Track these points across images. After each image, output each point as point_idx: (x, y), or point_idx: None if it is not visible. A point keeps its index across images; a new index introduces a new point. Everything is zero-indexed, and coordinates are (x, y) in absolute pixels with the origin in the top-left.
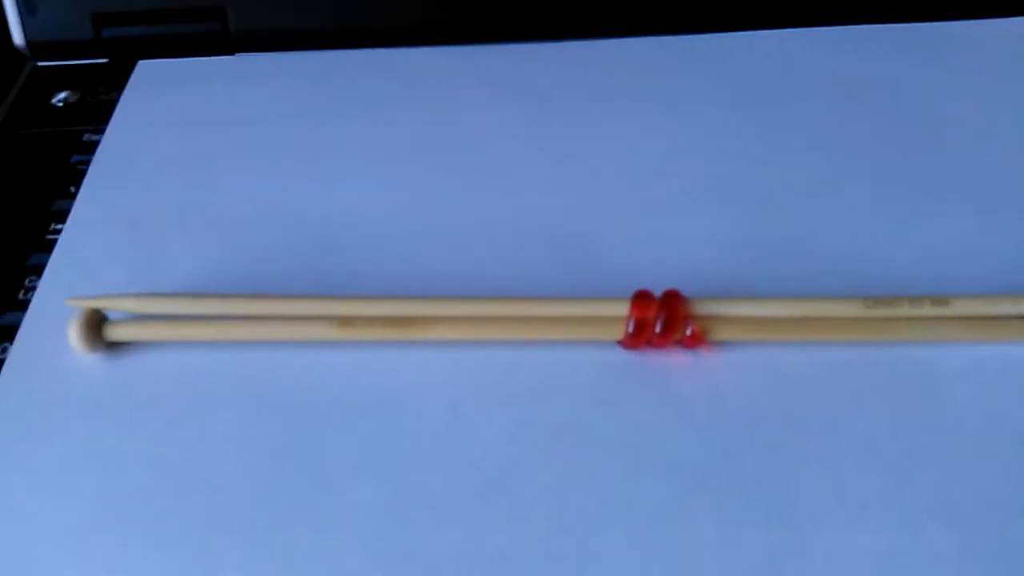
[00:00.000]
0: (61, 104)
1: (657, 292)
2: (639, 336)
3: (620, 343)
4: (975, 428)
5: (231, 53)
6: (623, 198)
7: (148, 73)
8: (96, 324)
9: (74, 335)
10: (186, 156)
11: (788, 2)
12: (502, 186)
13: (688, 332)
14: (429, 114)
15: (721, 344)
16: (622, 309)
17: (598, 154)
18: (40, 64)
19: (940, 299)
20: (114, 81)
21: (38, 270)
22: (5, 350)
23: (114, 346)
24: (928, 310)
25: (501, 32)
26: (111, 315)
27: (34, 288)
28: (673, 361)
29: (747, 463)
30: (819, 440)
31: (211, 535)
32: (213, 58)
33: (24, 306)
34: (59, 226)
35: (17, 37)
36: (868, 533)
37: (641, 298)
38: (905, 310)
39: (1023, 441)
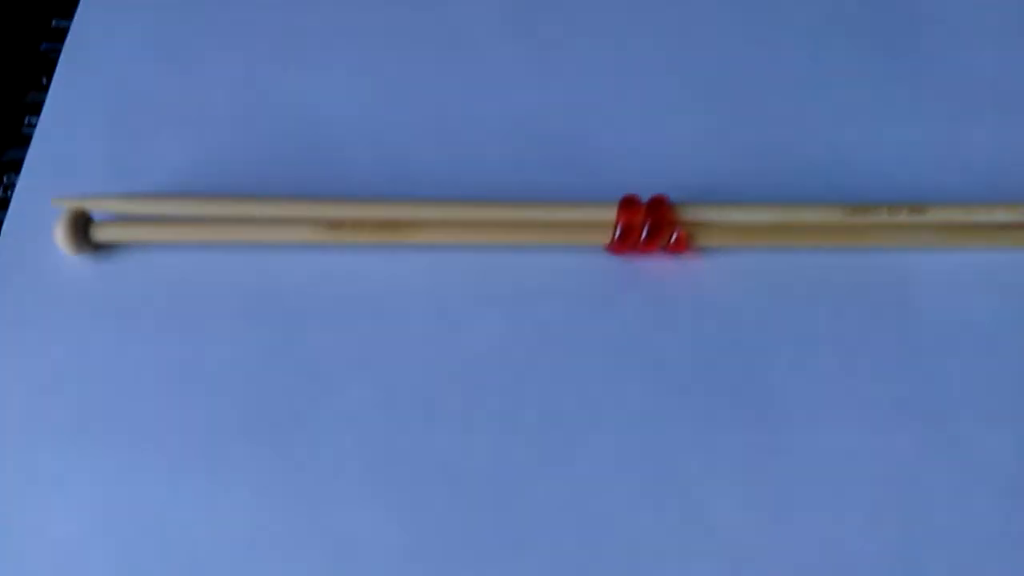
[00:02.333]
0: None
1: (644, 196)
2: (625, 242)
3: (607, 248)
4: (943, 331)
5: None
6: (611, 97)
7: None
8: (83, 224)
9: (61, 236)
10: (161, 42)
11: None
12: (489, 80)
13: (674, 237)
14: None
15: (706, 249)
16: (609, 214)
17: (586, 49)
18: None
19: (917, 207)
20: None
21: (15, 166)
22: None
23: (101, 247)
24: (905, 218)
25: None
26: (97, 215)
27: (13, 185)
28: (658, 266)
29: (727, 365)
30: (796, 343)
31: (205, 437)
32: None
33: (4, 204)
34: (33, 119)
35: None
36: (837, 432)
37: (628, 204)
38: (884, 217)
39: (987, 344)
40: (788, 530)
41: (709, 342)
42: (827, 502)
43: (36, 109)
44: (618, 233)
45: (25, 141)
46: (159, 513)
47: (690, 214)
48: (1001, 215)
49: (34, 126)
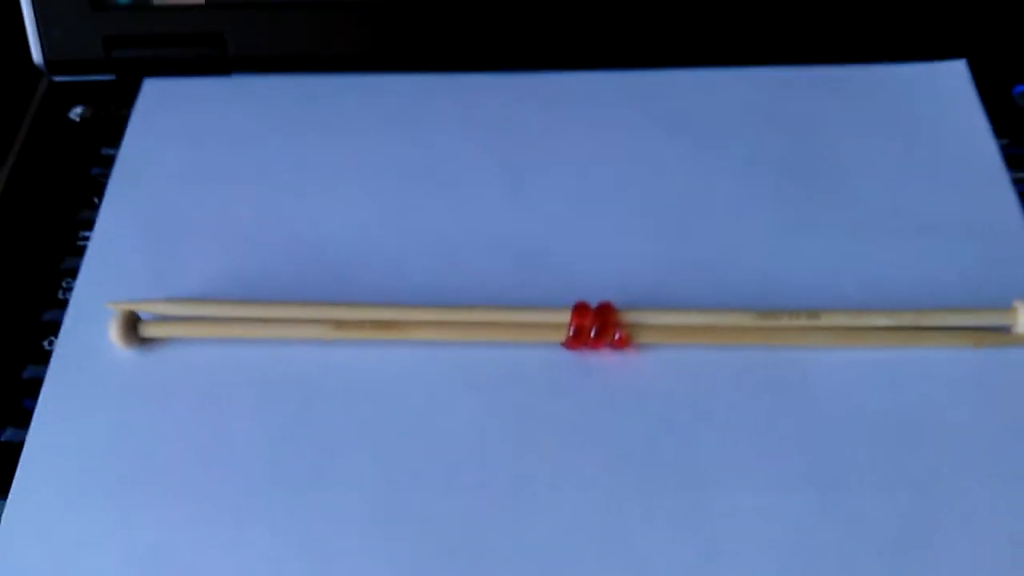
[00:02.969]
0: (78, 119)
1: (593, 303)
2: (578, 339)
3: (563, 344)
4: (838, 415)
5: (228, 73)
6: (570, 220)
7: (154, 91)
8: (132, 323)
9: (114, 333)
10: (193, 169)
11: (719, 44)
12: (468, 205)
13: (617, 336)
14: (408, 136)
15: (644, 346)
16: (565, 317)
17: (551, 178)
18: (55, 79)
19: (813, 313)
20: (124, 98)
21: (72, 272)
22: (51, 342)
23: (146, 341)
24: (804, 321)
25: (471, 62)
26: (143, 315)
27: (70, 289)
28: (605, 360)
29: (661, 441)
30: (717, 423)
31: (232, 495)
32: (212, 78)
33: (62, 304)
34: (86, 233)
35: (36, 55)
36: (753, 495)
37: (580, 309)
38: (785, 321)
39: (875, 426)
40: (710, 572)
41: (647, 421)
42: (742, 552)
43: (88, 225)
44: (572, 332)
45: (79, 252)
46: (189, 559)
47: (631, 317)
48: (883, 320)
49: (87, 239)
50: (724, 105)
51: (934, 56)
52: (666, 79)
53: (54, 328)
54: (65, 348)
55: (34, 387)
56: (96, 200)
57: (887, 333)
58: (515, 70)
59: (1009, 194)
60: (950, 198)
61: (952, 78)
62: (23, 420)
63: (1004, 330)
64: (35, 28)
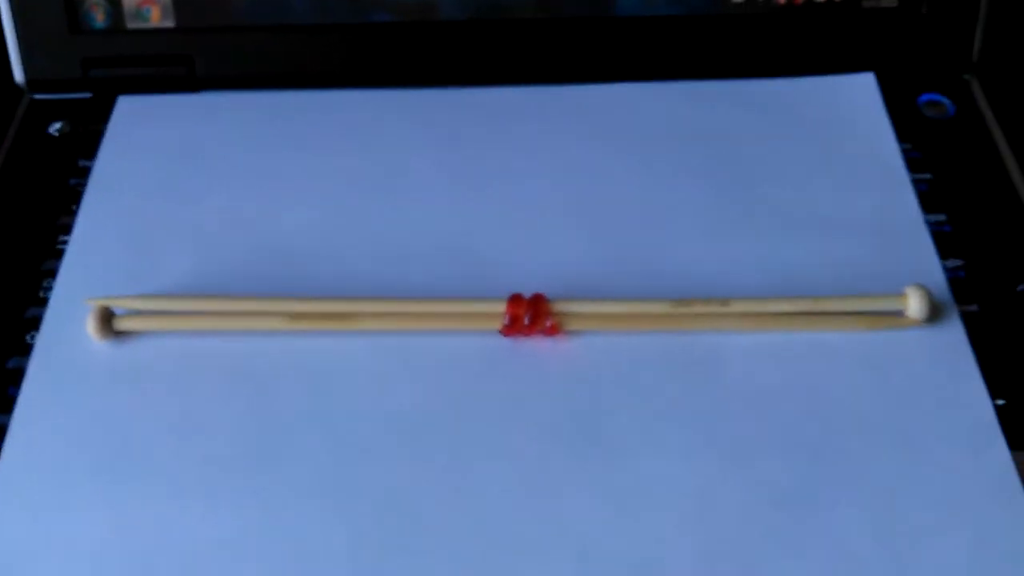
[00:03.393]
0: (57, 134)
1: (527, 294)
2: (513, 327)
3: (500, 332)
4: (744, 392)
5: (197, 91)
6: (507, 220)
7: (128, 107)
8: (107, 317)
9: (91, 326)
10: (164, 179)
11: (646, 61)
12: (415, 209)
13: (548, 324)
14: (362, 147)
15: (572, 333)
16: (501, 307)
17: (490, 184)
18: (36, 97)
19: (724, 301)
20: (99, 114)
21: (51, 273)
22: (33, 336)
23: (121, 334)
24: (715, 308)
25: (424, 79)
26: (118, 310)
27: (50, 288)
28: (538, 345)
29: (585, 417)
30: (636, 399)
31: (200, 470)
32: (182, 95)
33: (42, 302)
34: (65, 238)
35: (18, 75)
36: (662, 462)
37: (515, 299)
38: (698, 308)
39: (775, 400)
40: (622, 528)
41: (573, 400)
42: (651, 511)
43: (67, 230)
44: (507, 321)
45: (58, 255)
46: (162, 527)
47: (561, 307)
48: (784, 306)
49: (66, 243)
50: (649, 117)
51: (849, 69)
52: (597, 93)
53: (35, 323)
54: (46, 340)
55: (17, 376)
56: (74, 208)
57: (790, 318)
58: (461, 86)
59: (908, 193)
60: (853, 197)
61: (861, 89)
62: (7, 406)
63: (897, 314)
64: (17, 50)
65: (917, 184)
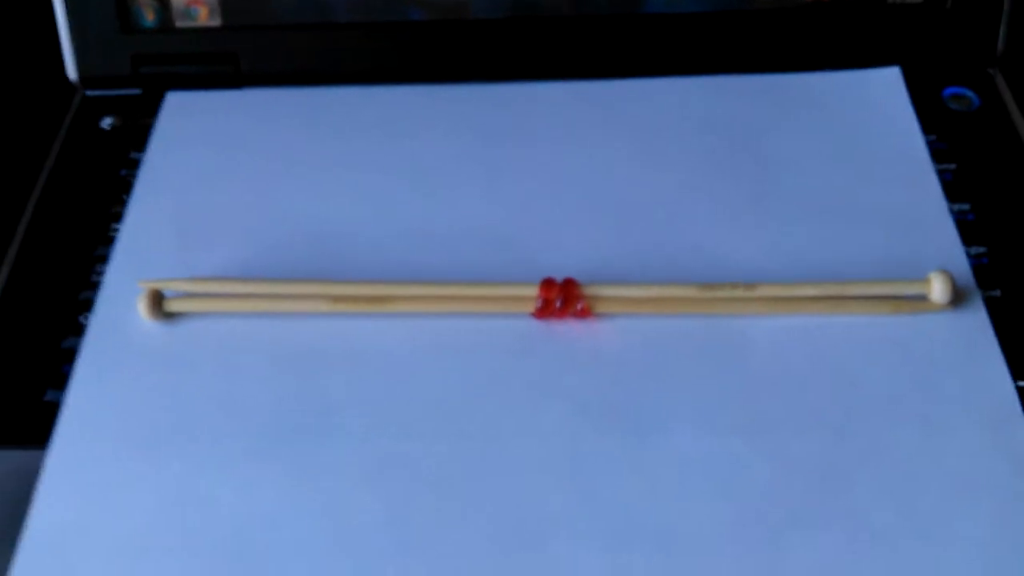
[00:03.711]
0: (108, 128)
1: (559, 279)
2: (545, 310)
3: (532, 315)
4: (769, 374)
5: (241, 87)
6: (538, 210)
7: (176, 103)
8: (157, 299)
9: (142, 307)
10: (210, 170)
11: (672, 56)
12: (450, 199)
13: (579, 307)
14: (398, 139)
15: (602, 316)
16: (533, 291)
17: (522, 176)
18: (88, 94)
19: (750, 285)
20: (149, 109)
21: (103, 259)
22: (86, 317)
23: (170, 316)
24: (741, 293)
25: (455, 73)
26: (168, 292)
27: (102, 273)
28: (569, 328)
29: (615, 396)
30: (664, 380)
31: (245, 446)
32: (228, 91)
33: (93, 286)
34: (116, 225)
35: (72, 72)
36: (691, 440)
37: (547, 283)
38: (725, 292)
39: (800, 382)
40: (651, 504)
41: (603, 380)
42: (682, 488)
43: (118, 218)
44: (540, 304)
45: (110, 241)
46: (209, 503)
47: (592, 291)
48: (810, 291)
49: (117, 230)
50: (675, 110)
51: (872, 64)
52: (626, 88)
53: (88, 305)
54: (99, 321)
55: (71, 355)
56: (125, 197)
57: (815, 302)
58: (492, 82)
59: (933, 183)
60: (879, 186)
61: (887, 83)
62: (62, 383)
63: (920, 299)
64: (71, 48)
65: (942, 174)
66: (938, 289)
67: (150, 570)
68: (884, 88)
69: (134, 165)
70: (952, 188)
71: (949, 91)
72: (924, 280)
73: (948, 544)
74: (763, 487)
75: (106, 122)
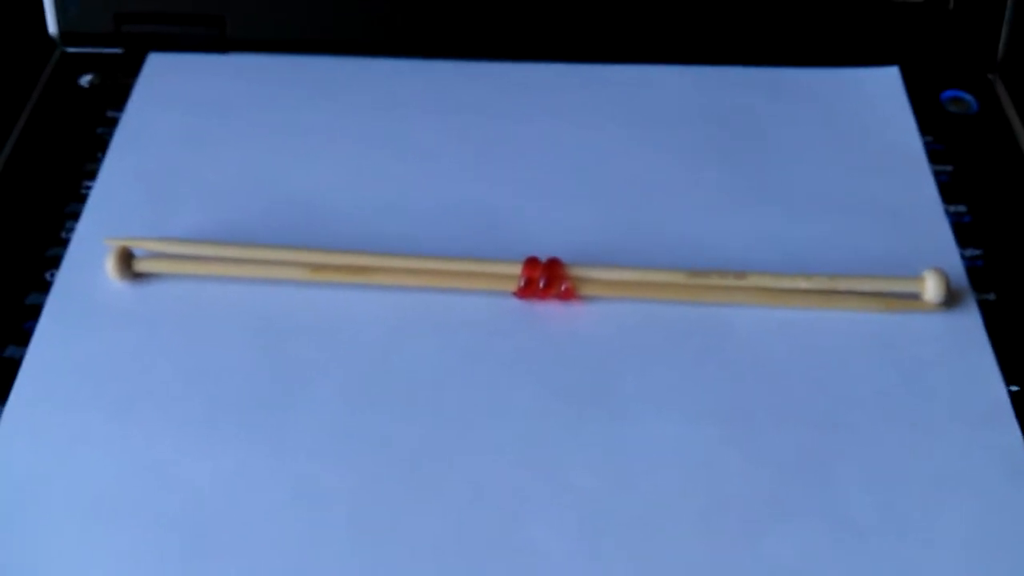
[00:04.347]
0: (87, 85)
1: (543, 258)
2: (528, 289)
3: (514, 294)
4: (753, 364)
5: (226, 52)
6: (526, 187)
7: (158, 63)
8: (126, 258)
9: (110, 265)
10: (189, 132)
11: (669, 43)
12: (435, 173)
13: (563, 288)
14: (385, 112)
15: (587, 298)
16: (517, 269)
17: (510, 153)
18: (68, 50)
19: (740, 274)
20: (130, 68)
21: (74, 215)
22: (52, 275)
23: (139, 276)
24: (730, 281)
25: (444, 49)
26: (137, 252)
27: (71, 230)
28: (551, 309)
29: (593, 381)
30: (645, 366)
31: (211, 414)
32: (212, 55)
33: (64, 243)
34: (89, 183)
35: (52, 27)
36: (667, 426)
37: (530, 262)
38: (714, 280)
39: (784, 374)
40: (627, 492)
41: (582, 363)
42: (655, 474)
43: (92, 176)
44: (522, 283)
45: (82, 199)
46: (167, 469)
47: (576, 272)
48: (801, 283)
49: (89, 188)
50: (671, 98)
51: (872, 63)
52: (620, 73)
53: (55, 262)
54: (65, 278)
55: (35, 312)
56: (100, 155)
57: (805, 295)
58: (485, 59)
59: (929, 182)
60: (874, 183)
61: (886, 82)
62: (24, 340)
63: (913, 297)
64: (52, 2)
65: (938, 175)
66: (932, 288)
67: (103, 539)
68: (882, 87)
69: (111, 124)
70: (948, 189)
71: (948, 94)
72: (918, 278)
73: (930, 544)
74: (739, 477)
75: (85, 79)
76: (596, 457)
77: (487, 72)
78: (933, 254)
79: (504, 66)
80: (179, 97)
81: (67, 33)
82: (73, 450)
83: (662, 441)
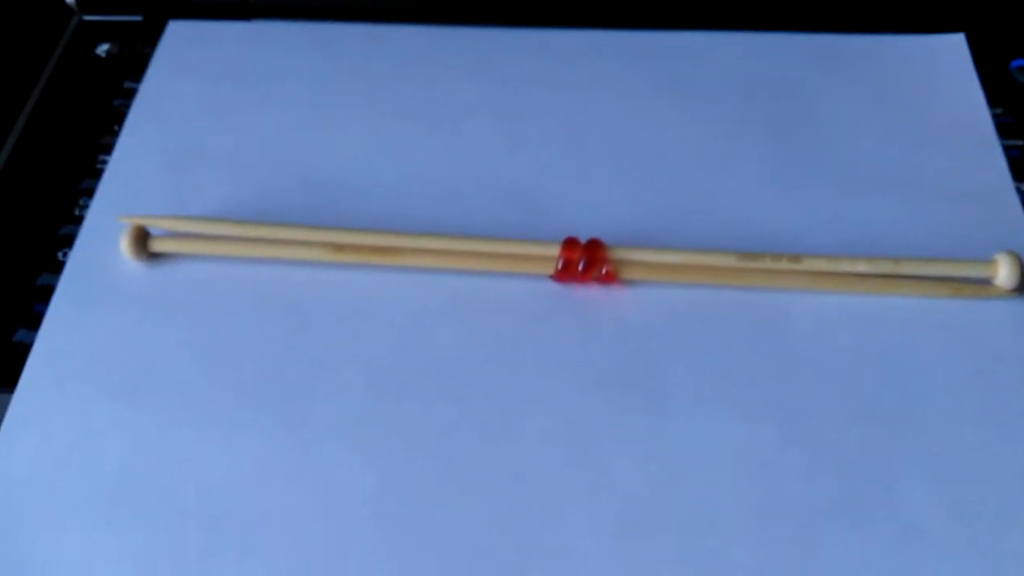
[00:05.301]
0: (104, 55)
1: (583, 239)
2: (566, 272)
3: (551, 277)
4: (810, 355)
5: (249, 19)
6: (563, 163)
7: (178, 31)
8: (142, 237)
9: (124, 245)
10: (210, 103)
11: (714, 9)
12: (467, 147)
13: (604, 271)
14: (412, 83)
15: (629, 282)
16: (554, 250)
17: (547, 126)
18: (85, 18)
19: (795, 257)
20: (149, 37)
21: (89, 192)
22: (66, 254)
23: (155, 256)
24: (785, 265)
25: (478, 16)
26: (154, 231)
27: (85, 207)
28: (591, 293)
29: (637, 369)
30: (692, 356)
31: (227, 400)
32: (234, 22)
33: (78, 220)
34: (105, 157)
35: None
36: (717, 423)
37: (569, 243)
38: (767, 263)
39: (845, 366)
40: (673, 492)
41: (624, 352)
42: (704, 474)
43: (107, 150)
44: (560, 265)
45: (97, 174)
46: (181, 455)
47: (618, 254)
48: (862, 267)
49: (105, 163)
50: (720, 67)
51: (935, 30)
52: (663, 40)
53: (68, 241)
54: (78, 258)
55: (46, 294)
56: (116, 128)
57: (866, 279)
58: (520, 26)
59: (999, 158)
60: (938, 159)
61: (950, 50)
62: (34, 323)
63: (984, 282)
64: None
65: (1008, 150)
66: (1005, 273)
67: (115, 532)
68: (947, 55)
69: (129, 95)
70: (1020, 166)
71: (1017, 63)
72: (990, 262)
73: (1004, 554)
74: (795, 478)
75: (102, 48)
76: (639, 454)
77: (522, 40)
78: (1004, 235)
79: (540, 33)
80: (200, 67)
81: (84, 0)
82: (85, 439)
83: (711, 437)
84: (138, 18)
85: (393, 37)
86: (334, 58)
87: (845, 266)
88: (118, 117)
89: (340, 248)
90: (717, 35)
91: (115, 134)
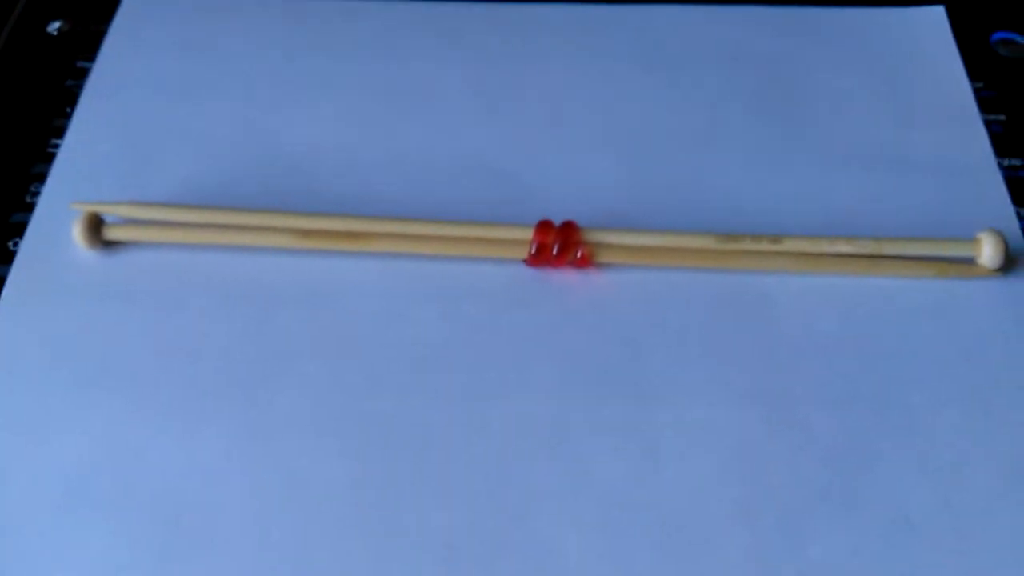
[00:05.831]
0: (56, 33)
1: (559, 220)
2: (539, 257)
3: (525, 261)
4: (793, 337)
5: None
6: (538, 141)
7: (134, 6)
8: (96, 225)
9: (77, 233)
10: (169, 81)
11: None
12: (440, 125)
13: (579, 255)
14: (385, 59)
15: (605, 266)
16: (527, 234)
17: (523, 104)
18: None
19: (775, 238)
20: (103, 14)
21: (40, 177)
22: (16, 243)
23: (110, 244)
24: (766, 246)
25: None
26: (108, 218)
27: (38, 193)
28: (565, 277)
29: (615, 355)
30: (671, 341)
31: (186, 393)
32: None
33: (30, 208)
34: (57, 141)
35: None
36: (699, 408)
37: (543, 226)
38: (747, 245)
39: (828, 348)
40: (653, 481)
41: (601, 337)
42: (686, 462)
43: (60, 133)
44: (534, 249)
45: (49, 158)
46: (145, 448)
47: (594, 236)
48: (843, 247)
49: (57, 146)
50: (698, 41)
51: (915, 2)
52: (642, 14)
53: (20, 230)
54: (30, 248)
55: None
56: (69, 110)
57: (849, 260)
58: (495, 1)
59: (980, 133)
60: (920, 135)
61: (930, 23)
62: None
63: (967, 262)
64: None
65: (990, 125)
66: (989, 252)
67: (74, 528)
68: (927, 28)
69: (82, 75)
70: (1002, 141)
71: (998, 35)
72: (973, 241)
73: (991, 541)
74: (779, 464)
75: (53, 26)
76: (618, 442)
77: (494, 14)
78: (987, 213)
79: (517, 8)
80: (157, 43)
81: None
82: (40, 433)
83: (691, 424)
84: None
85: (365, 10)
86: (299, 32)
87: (827, 246)
88: (71, 98)
89: (306, 234)
90: (694, 8)
91: (68, 116)
